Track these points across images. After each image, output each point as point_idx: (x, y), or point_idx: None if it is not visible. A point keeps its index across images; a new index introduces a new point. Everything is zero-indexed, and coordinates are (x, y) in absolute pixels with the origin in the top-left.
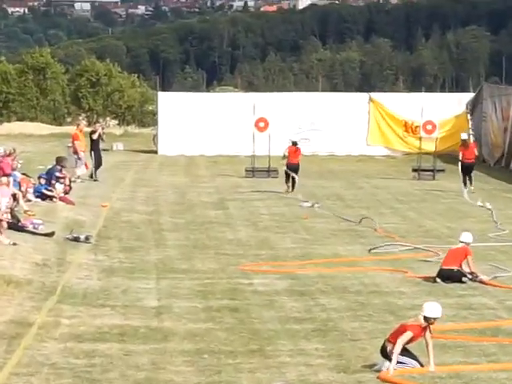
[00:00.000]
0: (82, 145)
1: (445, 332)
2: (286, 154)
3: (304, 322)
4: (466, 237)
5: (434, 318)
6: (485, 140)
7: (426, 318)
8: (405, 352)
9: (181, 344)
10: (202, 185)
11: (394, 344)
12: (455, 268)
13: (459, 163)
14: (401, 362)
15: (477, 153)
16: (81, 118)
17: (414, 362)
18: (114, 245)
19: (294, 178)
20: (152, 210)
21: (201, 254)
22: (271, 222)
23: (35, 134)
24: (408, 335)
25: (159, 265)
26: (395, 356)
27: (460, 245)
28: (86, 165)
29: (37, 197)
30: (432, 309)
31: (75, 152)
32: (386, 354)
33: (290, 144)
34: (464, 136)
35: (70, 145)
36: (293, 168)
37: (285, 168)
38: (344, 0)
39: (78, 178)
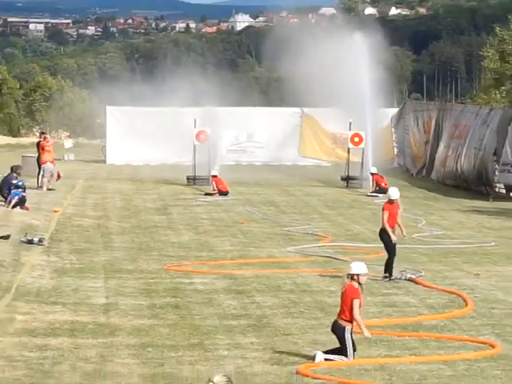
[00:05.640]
0: (51, 156)
1: (370, 328)
2: (215, 187)
3: (240, 318)
4: (395, 193)
5: (359, 274)
6: (407, 151)
7: (352, 276)
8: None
9: (127, 338)
10: (146, 192)
11: (349, 319)
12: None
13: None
14: (328, 359)
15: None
16: (35, 130)
17: (342, 357)
18: (65, 247)
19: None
20: (100, 215)
21: (145, 255)
22: (211, 226)
23: None
24: (357, 303)
25: (107, 265)
26: (362, 324)
27: (395, 202)
28: (58, 174)
29: (15, 204)
30: (357, 266)
31: (44, 162)
32: (335, 330)
33: (211, 177)
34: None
35: (30, 155)
36: (225, 194)
37: (216, 195)
38: (279, 21)
39: (49, 188)
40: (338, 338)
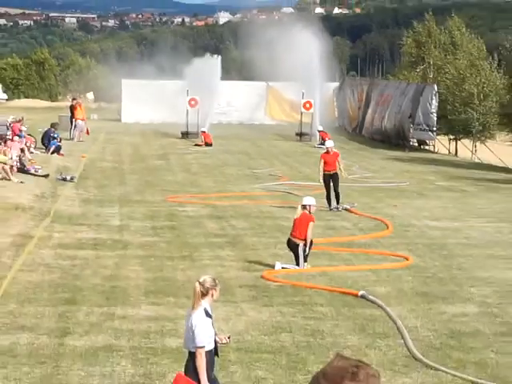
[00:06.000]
0: (82, 115)
1: (315, 244)
2: (203, 140)
3: (220, 236)
4: (330, 143)
5: (310, 205)
6: (345, 114)
7: (305, 206)
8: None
9: (135, 251)
10: (151, 142)
11: (302, 238)
12: (334, 172)
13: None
14: (284, 267)
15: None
16: (68, 96)
17: (295, 266)
18: (90, 183)
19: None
20: (116, 160)
21: (150, 190)
22: (199, 169)
23: (36, 107)
24: (312, 225)
25: (121, 197)
26: (309, 240)
27: (333, 151)
28: (87, 130)
29: (53, 151)
30: (308, 199)
31: (76, 120)
32: (291, 246)
33: (201, 132)
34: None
35: (64, 114)
36: (210, 145)
37: (203, 146)
38: (251, 17)
39: (79, 140)
40: (294, 252)
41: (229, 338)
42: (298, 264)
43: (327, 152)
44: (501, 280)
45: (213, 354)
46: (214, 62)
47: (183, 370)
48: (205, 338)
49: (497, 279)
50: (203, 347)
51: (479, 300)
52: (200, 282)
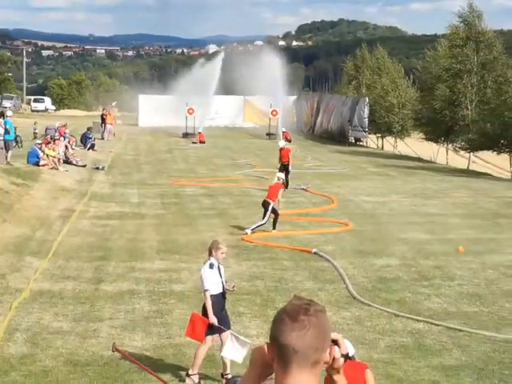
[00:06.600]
0: (111, 121)
1: (281, 215)
2: (198, 138)
3: (212, 210)
4: (282, 143)
5: (281, 178)
6: (301, 119)
7: (279, 178)
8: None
9: (150, 221)
10: (160, 140)
11: (273, 198)
12: (287, 163)
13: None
14: (252, 229)
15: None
16: (99, 107)
17: (259, 222)
18: (116, 171)
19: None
20: (135, 154)
21: (160, 175)
22: (195, 160)
23: (76, 115)
24: (282, 190)
25: (139, 181)
26: (278, 201)
27: (285, 148)
28: (114, 132)
29: (89, 147)
30: (280, 174)
31: (106, 124)
32: (264, 204)
33: (198, 133)
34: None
35: (97, 121)
36: (203, 142)
37: (198, 143)
38: (232, 48)
39: (108, 139)
40: (265, 208)
41: (233, 286)
42: (263, 218)
43: (282, 148)
44: (415, 240)
45: (220, 296)
46: (218, 58)
47: (201, 309)
48: (209, 284)
49: (412, 239)
50: (208, 290)
51: (399, 255)
52: (212, 243)
